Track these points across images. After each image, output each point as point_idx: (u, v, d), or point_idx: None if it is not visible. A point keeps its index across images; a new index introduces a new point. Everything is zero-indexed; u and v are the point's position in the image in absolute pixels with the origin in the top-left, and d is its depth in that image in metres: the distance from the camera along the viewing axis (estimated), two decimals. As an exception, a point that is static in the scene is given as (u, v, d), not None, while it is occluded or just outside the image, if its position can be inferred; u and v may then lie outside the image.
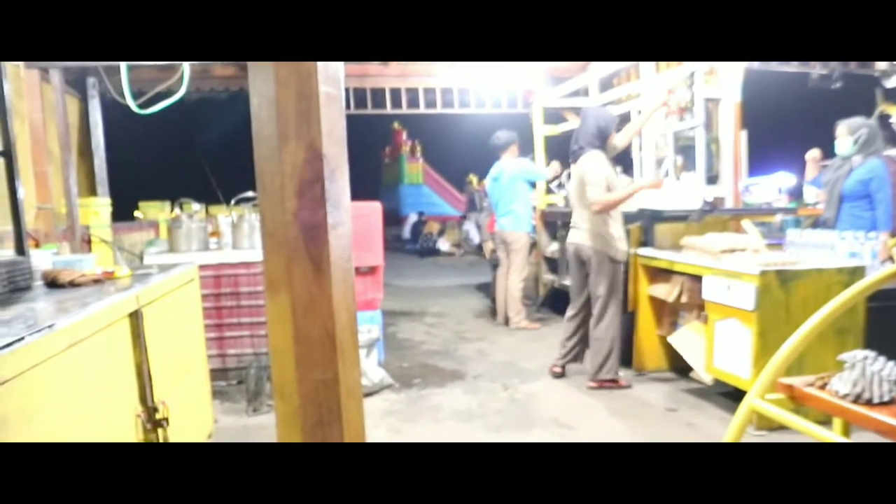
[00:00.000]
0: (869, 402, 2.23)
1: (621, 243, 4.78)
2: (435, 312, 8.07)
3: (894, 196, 6.28)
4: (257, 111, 1.14)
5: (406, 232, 18.83)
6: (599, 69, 7.13)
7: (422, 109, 8.46)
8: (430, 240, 17.06)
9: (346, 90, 8.00)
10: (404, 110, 8.41)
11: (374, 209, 5.25)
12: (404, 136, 21.94)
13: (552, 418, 4.21)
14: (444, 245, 16.77)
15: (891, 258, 4.59)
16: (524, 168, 7.03)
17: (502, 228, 7.02)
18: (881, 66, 7.89)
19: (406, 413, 4.38)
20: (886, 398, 2.23)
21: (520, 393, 4.76)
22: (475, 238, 16.45)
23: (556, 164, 7.25)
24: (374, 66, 8.03)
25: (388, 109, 8.30)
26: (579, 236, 4.88)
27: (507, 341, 6.39)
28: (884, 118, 13.46)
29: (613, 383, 4.76)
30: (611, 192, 4.68)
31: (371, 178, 23.39)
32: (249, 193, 4.85)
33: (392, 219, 19.57)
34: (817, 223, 5.76)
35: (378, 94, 8.25)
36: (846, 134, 5.08)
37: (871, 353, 2.29)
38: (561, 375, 5.09)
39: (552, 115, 8.14)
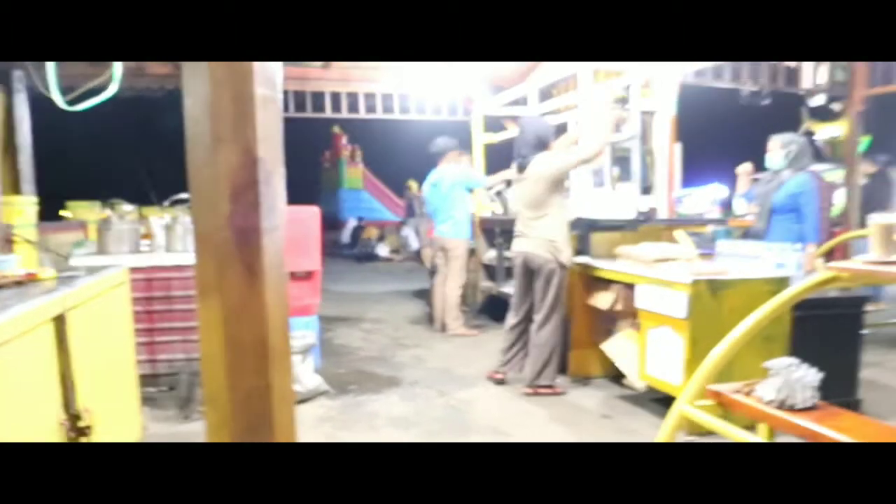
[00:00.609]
0: (792, 408, 2.31)
1: (569, 249, 4.84)
2: (372, 318, 8.03)
3: (822, 210, 6.54)
4: (191, 112, 1.12)
5: (345, 237, 18.71)
6: (539, 79, 7.22)
7: (362, 114, 8.43)
8: (368, 245, 16.99)
9: (285, 93, 7.91)
10: (344, 114, 8.36)
11: (311, 213, 5.20)
12: (344, 140, 21.78)
13: (489, 425, 4.23)
14: (382, 251, 16.72)
15: (815, 269, 4.77)
16: (464, 175, 7.05)
17: (441, 235, 7.02)
18: (806, 85, 8.20)
19: (341, 420, 4.34)
20: (808, 404, 2.32)
21: (456, 399, 4.76)
22: (414, 244, 16.43)
23: (502, 173, 7.27)
24: (314, 70, 7.96)
25: (328, 113, 8.24)
26: (528, 244, 4.85)
27: (444, 348, 6.40)
28: (808, 135, 13.99)
29: (549, 390, 4.81)
30: (563, 185, 4.80)
31: (310, 182, 23.13)
32: (184, 195, 4.75)
33: (331, 224, 19.37)
34: (747, 234, 5.94)
35: (318, 98, 8.19)
36: (777, 148, 5.25)
37: (794, 361, 2.37)
38: (502, 382, 5.11)
39: (492, 122, 8.21)
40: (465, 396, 4.83)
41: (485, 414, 4.46)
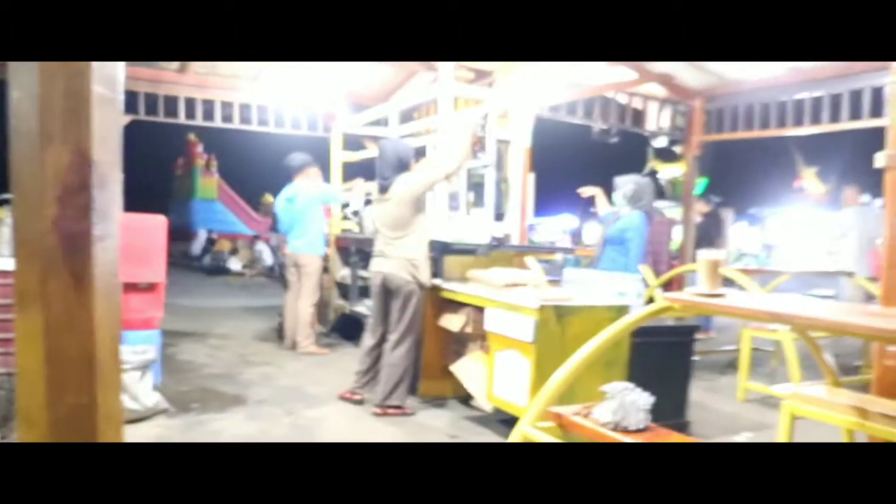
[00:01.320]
0: (626, 430, 2.42)
1: (428, 269, 4.88)
2: (220, 334, 7.75)
3: (657, 244, 7.03)
4: (17, 106, 1.03)
5: (196, 249, 18.00)
6: (401, 100, 7.29)
7: (218, 123, 8.15)
8: (220, 258, 16.43)
9: (136, 94, 7.52)
10: (199, 122, 8.05)
11: (157, 222, 4.96)
12: (200, 148, 21.00)
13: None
14: (234, 264, 16.22)
15: (652, 299, 5.07)
16: (321, 191, 6.98)
17: (295, 251, 6.90)
18: (651, 127, 8.75)
19: (180, 440, 4.14)
20: (641, 426, 2.44)
21: (304, 419, 4.67)
22: (267, 259, 16.07)
23: (360, 182, 7.21)
24: (168, 73, 7.65)
25: (182, 119, 7.90)
26: (387, 265, 4.84)
27: (294, 366, 6.26)
28: (653, 174, 14.94)
29: (399, 410, 4.80)
30: (424, 205, 4.86)
31: (161, 190, 22.14)
32: (7, 196, 4.40)
33: (182, 234, 18.62)
34: (594, 263, 6.29)
35: (171, 102, 7.83)
36: (619, 188, 5.71)
37: (629, 385, 2.49)
38: (361, 403, 5.03)
39: (352, 141, 8.19)
40: (313, 415, 4.75)
41: (332, 433, 4.40)
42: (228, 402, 4.99)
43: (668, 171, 14.55)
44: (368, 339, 5.07)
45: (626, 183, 5.70)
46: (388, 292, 4.90)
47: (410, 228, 4.82)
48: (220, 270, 15.88)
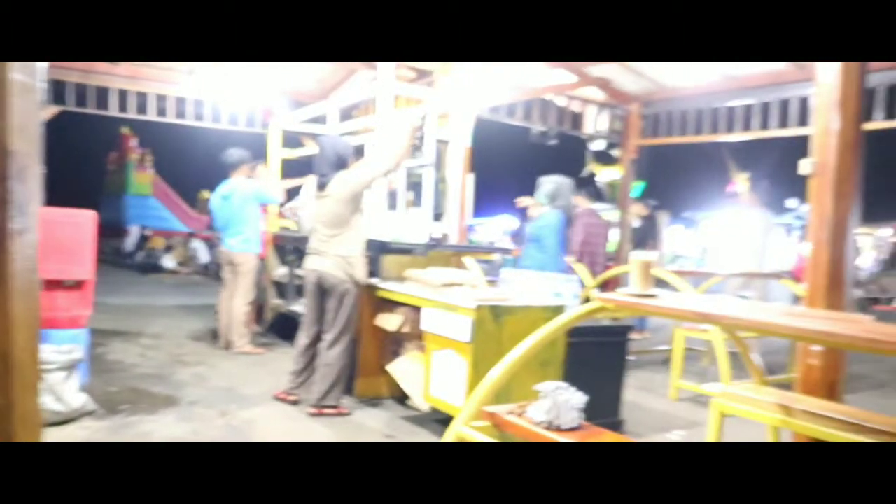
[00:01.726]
0: (559, 428, 2.45)
1: (364, 268, 4.83)
2: (153, 333, 7.55)
3: (594, 245, 7.24)
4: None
5: (128, 246, 17.53)
6: (341, 98, 7.23)
7: (151, 116, 7.93)
8: (153, 256, 16.04)
9: (64, 84, 7.27)
10: (132, 115, 7.82)
11: (86, 217, 4.80)
12: (134, 142, 20.41)
13: (269, 446, 4.11)
14: (169, 262, 15.85)
15: (588, 299, 5.14)
16: (258, 189, 6.88)
17: (230, 249, 6.78)
18: (589, 130, 8.88)
19: (107, 442, 4.02)
20: (574, 424, 2.47)
21: (238, 420, 4.58)
22: (203, 257, 15.77)
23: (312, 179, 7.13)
24: (100, 63, 7.41)
25: (114, 111, 7.67)
26: (323, 263, 4.77)
27: (228, 366, 6.15)
28: (592, 176, 15.17)
29: (335, 410, 4.76)
30: (361, 203, 4.82)
31: (92, 184, 21.48)
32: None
33: (114, 230, 18.11)
34: (518, 261, 6.45)
35: (103, 94, 7.59)
36: (541, 187, 6.16)
37: (562, 384, 2.52)
38: (296, 403, 4.97)
39: (291, 138, 8.08)
40: (247, 416, 4.67)
41: (266, 434, 4.34)
42: (159, 403, 4.87)
43: (606, 174, 14.79)
44: (302, 339, 4.99)
45: (547, 182, 6.06)
46: (322, 291, 4.83)
47: (347, 226, 4.76)
48: (153, 268, 15.51)
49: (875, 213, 18.97)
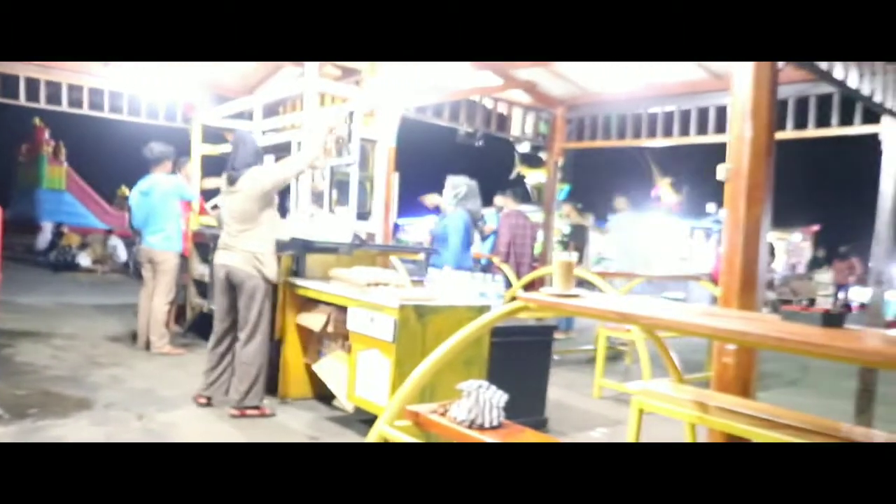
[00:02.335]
0: (481, 427, 2.46)
1: (275, 264, 4.74)
2: (66, 334, 7.26)
3: (521, 246, 7.42)
4: None
5: (41, 243, 16.83)
6: (266, 94, 7.10)
7: (64, 107, 7.60)
8: (68, 253, 15.43)
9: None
10: (42, 105, 7.46)
11: (-8, 213, 4.58)
12: (46, 134, 19.60)
13: (187, 450, 4.00)
14: (85, 260, 15.28)
15: (514, 299, 5.19)
16: (178, 185, 6.70)
17: (150, 247, 6.59)
18: (515, 132, 8.97)
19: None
20: (496, 423, 2.48)
21: (156, 423, 4.44)
22: (122, 255, 15.29)
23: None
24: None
25: (23, 101, 7.30)
26: (232, 258, 4.67)
27: (146, 367, 5.96)
28: (520, 178, 15.35)
29: (257, 411, 4.66)
30: (273, 199, 4.79)
31: (2, 177, 20.54)
32: None
33: (25, 227, 17.35)
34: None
35: (10, 81, 7.21)
36: (449, 189, 6.48)
37: (484, 383, 2.53)
38: (209, 404, 4.85)
39: (212, 134, 7.87)
40: (166, 419, 4.53)
41: (186, 438, 4.21)
42: (72, 406, 4.67)
43: (533, 177, 14.99)
44: (214, 337, 4.86)
45: (457, 185, 6.38)
46: (231, 287, 4.73)
47: (256, 222, 4.68)
48: (68, 266, 14.92)
49: (787, 219, 19.82)
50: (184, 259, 6.85)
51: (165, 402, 4.91)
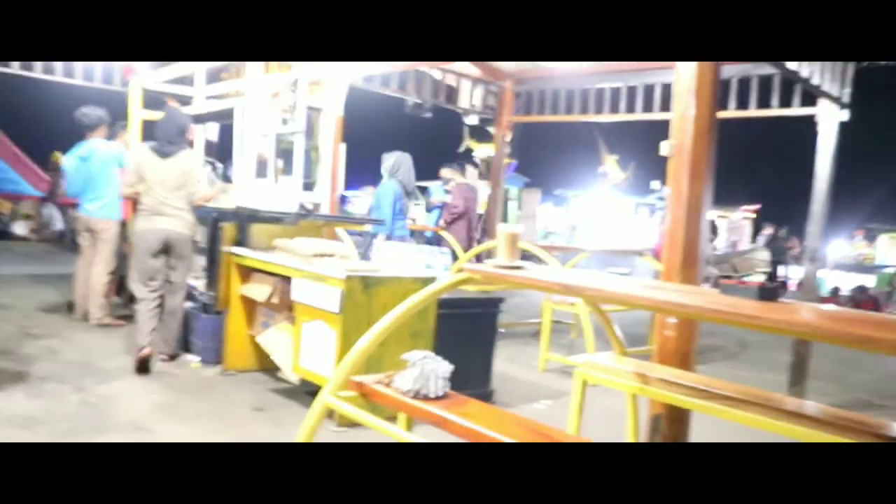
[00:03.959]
0: (426, 397, 2.47)
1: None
2: (-2, 304, 7.04)
3: (459, 214, 7.68)
4: None
5: (-31, 211, 16.19)
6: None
7: (-10, 65, 7.26)
8: (0, 222, 14.90)
9: None
10: (-33, 63, 7.14)
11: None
12: (-27, 95, 18.77)
13: (131, 421, 3.93)
14: (19, 229, 14.79)
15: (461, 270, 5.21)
16: (119, 151, 6.52)
17: (89, 214, 6.40)
18: (464, 104, 8.93)
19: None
20: (441, 393, 2.50)
21: (95, 395, 4.35)
22: (58, 224, 14.85)
23: None
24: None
25: (-59, 56, 6.98)
26: (170, 223, 5.06)
27: (84, 339, 5.82)
28: (468, 152, 15.35)
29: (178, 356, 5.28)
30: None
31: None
32: None
33: (-49, 194, 16.62)
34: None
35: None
36: (385, 163, 7.18)
37: (429, 354, 2.53)
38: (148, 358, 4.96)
39: (153, 98, 7.63)
40: (105, 391, 4.45)
41: (127, 410, 4.14)
42: (5, 379, 4.54)
43: (482, 150, 15.00)
44: (150, 293, 5.10)
45: (388, 157, 7.19)
46: (165, 248, 5.12)
47: (183, 191, 5.12)
48: (0, 235, 14.43)
49: (728, 197, 20.27)
50: (123, 227, 6.66)
51: (104, 374, 4.81)
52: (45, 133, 16.25)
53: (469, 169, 9.26)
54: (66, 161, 6.58)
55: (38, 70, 7.55)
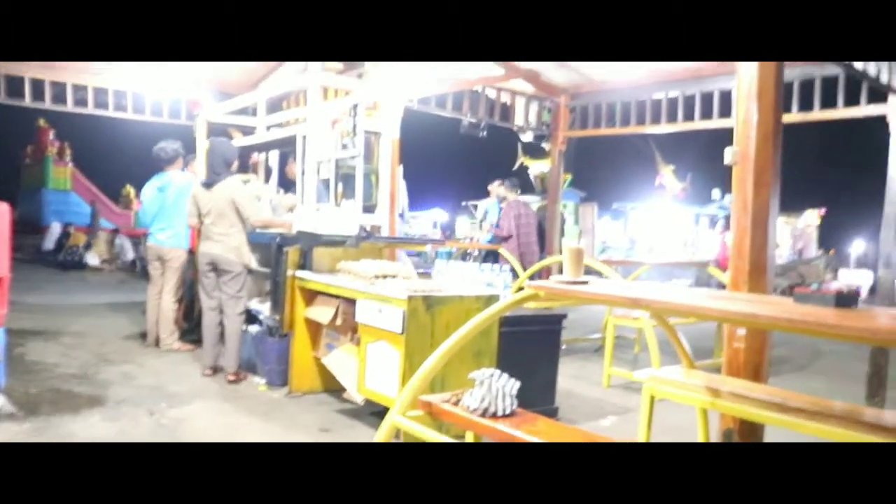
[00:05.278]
0: (494, 415, 2.46)
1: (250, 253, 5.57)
2: (75, 332, 7.28)
3: (526, 235, 7.56)
4: None
5: (49, 243, 16.87)
6: (269, 89, 7.09)
7: (69, 107, 7.58)
8: (75, 253, 15.48)
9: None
10: (48, 105, 7.45)
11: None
12: (51, 135, 19.61)
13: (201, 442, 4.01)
14: (93, 259, 15.34)
15: (521, 289, 5.20)
16: (191, 183, 6.73)
17: (159, 244, 6.61)
18: (518, 122, 8.94)
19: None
20: (508, 411, 2.48)
21: (168, 418, 4.46)
22: (129, 253, 15.34)
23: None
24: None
25: (28, 102, 7.28)
26: (214, 247, 5.47)
27: (156, 364, 5.98)
28: (523, 169, 15.31)
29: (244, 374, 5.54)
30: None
31: (7, 178, 20.57)
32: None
33: (33, 227, 17.39)
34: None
35: (15, 83, 7.18)
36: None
37: (496, 371, 2.53)
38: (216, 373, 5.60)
39: (217, 130, 7.87)
40: (177, 414, 4.55)
41: (197, 432, 4.23)
42: (83, 403, 4.69)
43: (537, 167, 14.96)
44: (211, 313, 5.67)
45: None
46: (216, 272, 5.55)
47: (233, 220, 5.49)
48: (75, 266, 14.98)
49: (792, 203, 19.75)
50: (191, 255, 6.86)
51: (176, 398, 4.93)
52: (117, 168, 16.88)
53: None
54: (145, 190, 6.82)
55: (109, 109, 7.84)
